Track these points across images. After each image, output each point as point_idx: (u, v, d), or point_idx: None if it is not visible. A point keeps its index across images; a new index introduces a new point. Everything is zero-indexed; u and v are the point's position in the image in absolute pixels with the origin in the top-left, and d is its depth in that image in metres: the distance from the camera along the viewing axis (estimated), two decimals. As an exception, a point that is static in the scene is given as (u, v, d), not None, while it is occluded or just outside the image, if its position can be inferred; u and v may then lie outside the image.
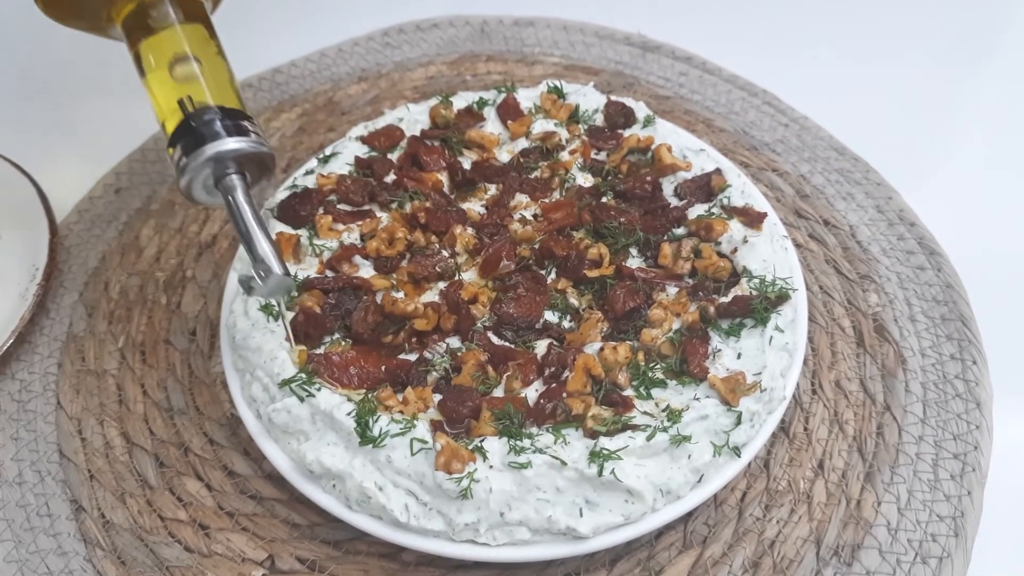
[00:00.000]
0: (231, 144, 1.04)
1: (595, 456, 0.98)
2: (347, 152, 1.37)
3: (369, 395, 1.06)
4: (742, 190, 1.29)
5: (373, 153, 1.38)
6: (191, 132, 1.05)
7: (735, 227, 1.23)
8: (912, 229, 1.43)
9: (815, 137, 1.59)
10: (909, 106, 1.71)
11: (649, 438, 1.00)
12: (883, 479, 1.15)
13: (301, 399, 1.05)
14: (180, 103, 1.08)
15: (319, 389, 1.06)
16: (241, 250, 1.26)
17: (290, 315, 1.14)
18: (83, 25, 1.21)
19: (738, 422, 1.04)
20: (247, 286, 1.02)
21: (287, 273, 1.02)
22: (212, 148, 1.03)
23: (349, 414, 1.02)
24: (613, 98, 1.44)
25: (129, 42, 1.16)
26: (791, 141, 1.59)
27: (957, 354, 1.27)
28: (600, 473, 0.96)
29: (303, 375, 1.07)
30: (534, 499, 0.97)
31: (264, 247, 1.02)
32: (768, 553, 1.08)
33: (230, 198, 1.05)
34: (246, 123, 1.07)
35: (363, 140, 1.39)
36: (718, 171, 1.31)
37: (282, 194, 1.30)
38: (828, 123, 1.61)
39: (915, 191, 1.48)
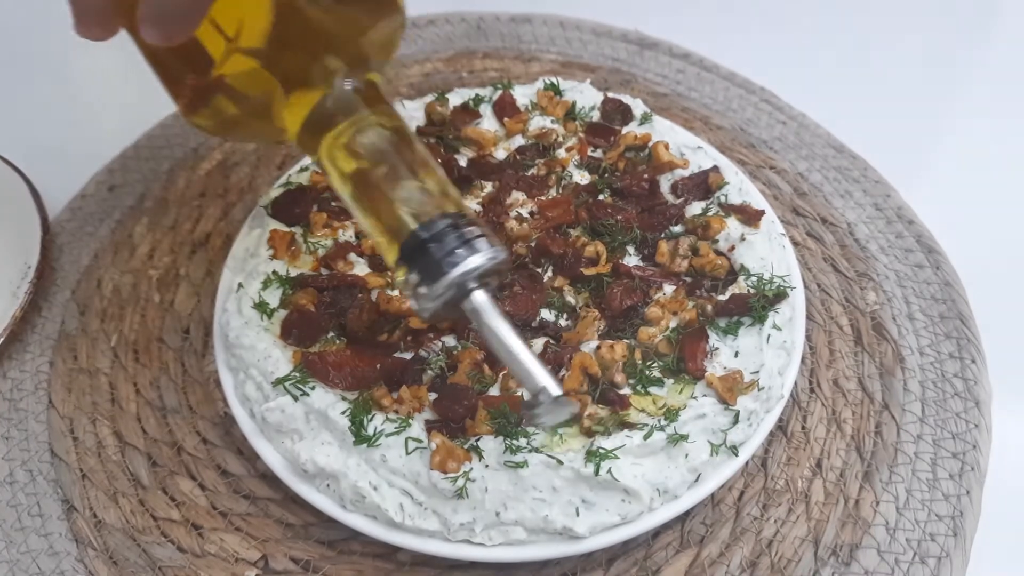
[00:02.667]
0: (476, 261, 0.86)
1: (592, 455, 0.97)
2: None
3: (364, 394, 1.05)
4: (739, 188, 1.28)
5: (368, 150, 1.36)
6: (424, 251, 0.86)
7: (732, 225, 1.22)
8: (910, 227, 1.42)
9: (813, 134, 1.58)
10: (907, 103, 1.70)
11: (646, 437, 0.99)
12: (881, 478, 1.14)
13: (295, 398, 1.04)
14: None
15: (313, 388, 1.05)
16: (234, 247, 1.25)
17: (283, 313, 1.13)
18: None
19: (735, 421, 1.03)
20: (528, 415, 0.84)
21: (565, 394, 0.84)
22: (455, 272, 0.85)
23: (343, 413, 1.02)
24: (610, 95, 1.43)
25: (311, 150, 0.97)
26: (789, 138, 1.58)
27: (956, 352, 1.26)
28: (597, 472, 0.96)
29: (296, 374, 1.06)
30: (530, 499, 0.96)
31: (534, 368, 0.84)
32: (766, 553, 1.08)
33: (482, 321, 0.87)
34: (474, 228, 0.88)
35: None
36: (715, 168, 1.30)
37: (276, 191, 1.29)
38: (826, 121, 1.60)
39: (913, 189, 1.47)
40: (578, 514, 0.97)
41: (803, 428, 1.19)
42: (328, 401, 1.03)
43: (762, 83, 1.68)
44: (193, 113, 1.00)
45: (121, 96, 1.72)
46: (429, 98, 1.43)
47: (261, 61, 0.93)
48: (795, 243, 1.39)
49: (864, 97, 1.70)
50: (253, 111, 0.97)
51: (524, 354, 0.85)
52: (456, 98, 1.43)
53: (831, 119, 1.60)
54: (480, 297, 0.87)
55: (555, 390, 0.82)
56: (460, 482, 0.96)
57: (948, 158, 1.59)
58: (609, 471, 0.96)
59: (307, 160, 1.36)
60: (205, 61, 0.93)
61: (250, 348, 1.10)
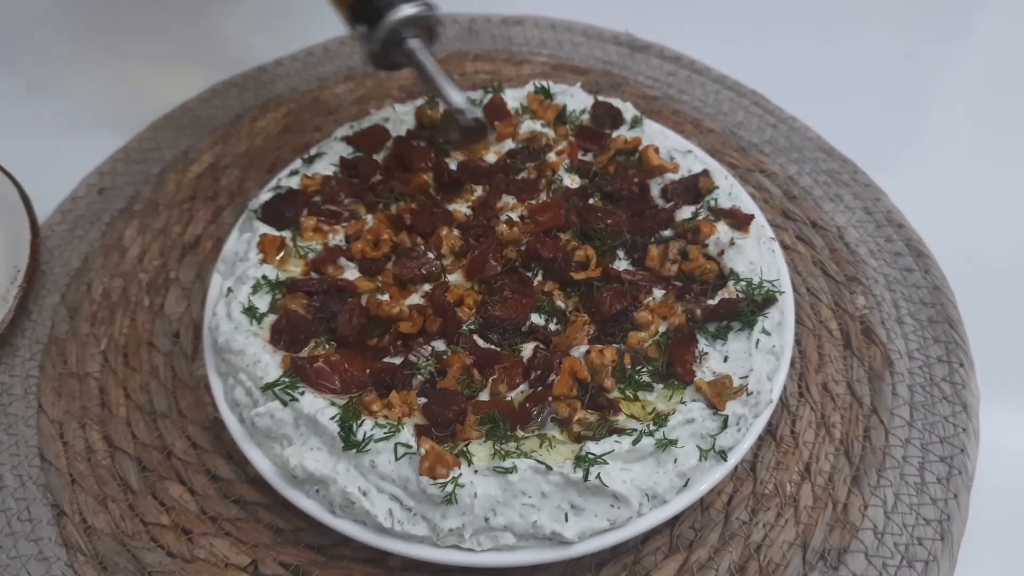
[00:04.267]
0: (407, 11, 1.21)
1: (581, 461, 0.97)
2: (332, 153, 1.36)
3: (353, 399, 1.05)
4: (729, 192, 1.29)
5: (358, 153, 1.37)
6: (369, 6, 1.22)
7: (722, 229, 1.22)
8: (900, 231, 1.42)
9: (803, 138, 1.58)
10: (899, 108, 1.71)
11: (635, 442, 0.99)
12: (870, 482, 1.14)
13: (284, 403, 1.04)
14: None
15: (302, 393, 1.05)
16: (224, 251, 1.26)
17: (272, 318, 1.13)
18: None
19: (724, 426, 1.04)
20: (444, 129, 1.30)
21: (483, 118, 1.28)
22: (392, 17, 1.20)
23: (333, 418, 1.01)
24: (600, 98, 1.43)
25: None
26: (779, 142, 1.58)
27: (944, 357, 1.26)
28: (586, 478, 0.96)
29: (286, 379, 1.06)
30: (519, 504, 0.97)
31: (456, 95, 1.24)
32: (754, 557, 1.08)
33: (414, 58, 1.23)
34: None
35: (348, 140, 1.38)
36: (705, 173, 1.30)
37: (266, 195, 1.29)
38: (817, 124, 1.60)
39: (903, 193, 1.48)
40: (567, 519, 0.97)
41: (792, 432, 1.19)
42: (317, 406, 1.03)
43: (753, 86, 1.68)
44: None
45: (111, 99, 1.71)
46: (419, 101, 1.43)
47: None
48: (785, 247, 1.40)
49: (855, 100, 1.70)
50: None
51: (447, 82, 1.24)
52: None
53: (822, 123, 1.60)
54: (414, 43, 1.24)
55: (474, 112, 1.27)
56: (449, 487, 0.95)
57: (938, 162, 1.59)
58: (598, 476, 0.96)
59: (297, 163, 1.36)
60: None
61: (239, 353, 1.10)
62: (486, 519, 0.96)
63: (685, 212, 1.26)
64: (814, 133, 1.59)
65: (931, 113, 1.73)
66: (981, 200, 1.52)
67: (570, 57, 1.77)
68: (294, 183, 1.31)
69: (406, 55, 1.24)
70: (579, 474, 0.96)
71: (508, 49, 1.79)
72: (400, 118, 1.42)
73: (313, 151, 1.37)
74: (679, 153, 1.34)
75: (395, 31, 1.22)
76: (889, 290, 1.35)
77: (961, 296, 1.33)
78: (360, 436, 1.00)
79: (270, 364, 1.08)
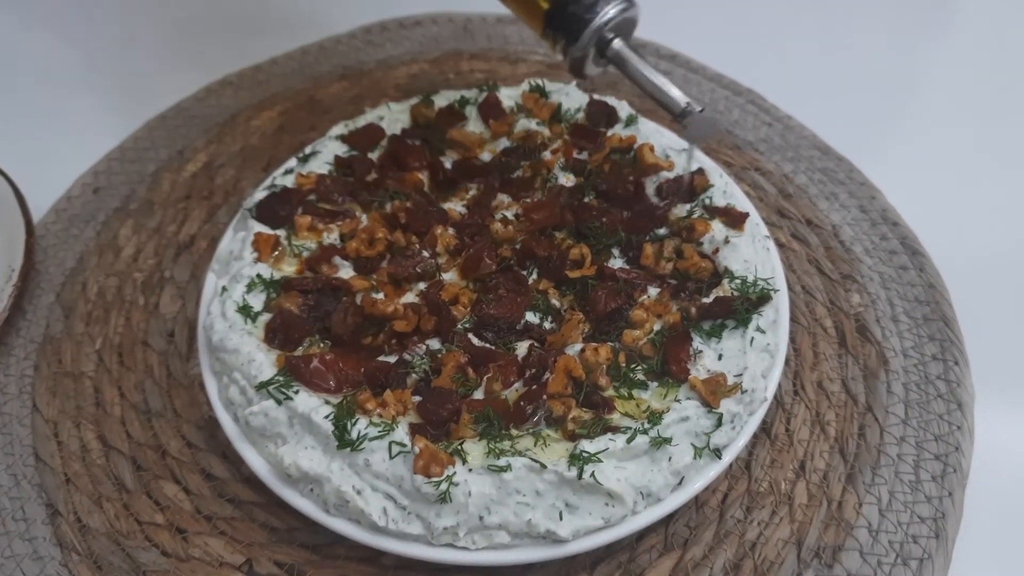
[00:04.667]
0: (611, 12, 1.15)
1: (575, 459, 0.97)
2: (327, 151, 1.36)
3: (347, 398, 1.05)
4: (724, 190, 1.28)
5: (353, 152, 1.36)
6: (566, 15, 1.16)
7: (717, 227, 1.22)
8: (895, 229, 1.42)
9: (799, 136, 1.58)
10: (894, 106, 1.71)
11: (629, 440, 0.99)
12: (864, 480, 1.14)
13: (279, 402, 1.04)
14: None
15: (297, 392, 1.05)
16: (219, 250, 1.25)
17: (267, 317, 1.13)
18: None
19: (719, 424, 1.03)
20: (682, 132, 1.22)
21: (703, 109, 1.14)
22: (597, 21, 1.14)
23: (327, 417, 1.02)
24: (596, 97, 1.43)
25: None
26: (774, 140, 1.58)
27: (939, 354, 1.26)
28: (580, 476, 0.96)
29: (280, 378, 1.06)
30: (514, 502, 0.97)
31: (675, 91, 1.15)
32: (749, 555, 1.08)
33: (622, 57, 1.17)
34: None
35: (343, 139, 1.38)
36: (700, 171, 1.30)
37: (261, 194, 1.29)
38: (812, 123, 1.60)
39: (898, 191, 1.47)
40: (561, 518, 0.97)
41: (787, 430, 1.19)
42: (312, 405, 1.03)
43: (749, 85, 1.68)
44: None
45: (106, 98, 1.71)
46: (414, 100, 1.43)
47: None
48: (780, 245, 1.40)
49: (850, 99, 1.70)
50: None
51: (665, 82, 1.15)
52: (441, 100, 1.43)
53: (817, 121, 1.60)
54: (618, 43, 1.16)
55: (698, 106, 1.13)
56: (443, 486, 0.95)
57: (933, 160, 1.59)
58: (592, 475, 0.96)
59: (292, 162, 1.36)
60: None
61: (234, 352, 1.10)
62: (480, 517, 0.96)
63: (680, 210, 1.26)
64: (809, 131, 1.59)
65: (927, 111, 1.73)
66: (976, 198, 1.52)
67: (565, 56, 1.76)
68: (289, 182, 1.31)
69: (611, 57, 1.19)
70: (573, 472, 0.96)
71: (503, 48, 1.79)
72: (395, 116, 1.41)
73: (308, 150, 1.37)
74: (674, 151, 1.34)
75: (600, 35, 1.17)
76: (884, 288, 1.35)
77: (956, 294, 1.33)
78: (354, 435, 1.00)
79: (264, 363, 1.08)
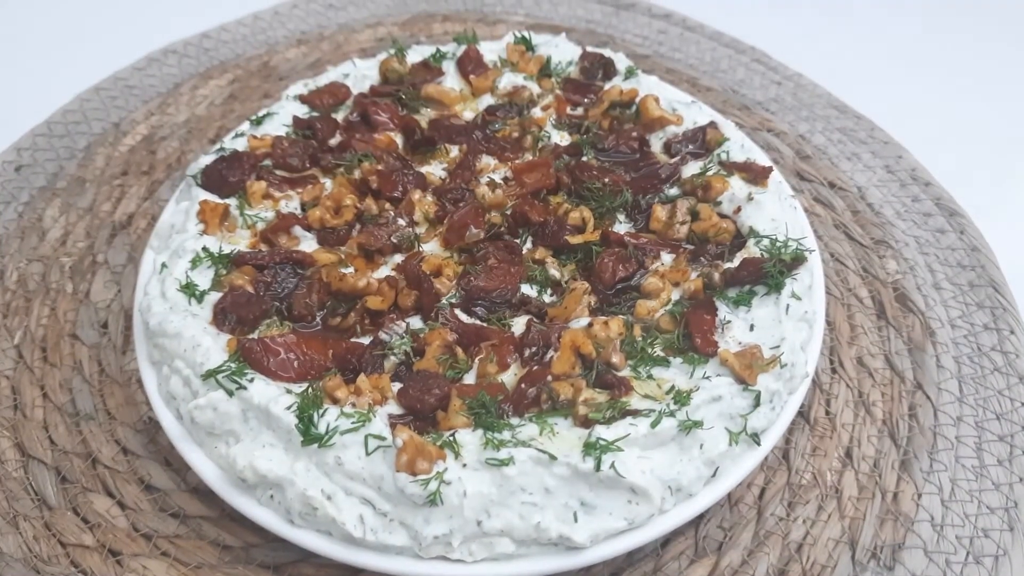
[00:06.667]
0: None
1: (591, 448, 0.85)
2: (284, 112, 1.25)
3: (313, 385, 0.92)
4: (742, 144, 1.18)
5: (314, 113, 1.23)
6: None
7: (736, 184, 1.11)
8: (927, 189, 1.31)
9: (812, 95, 1.48)
10: (909, 60, 1.60)
11: (654, 424, 0.87)
12: (921, 467, 1.02)
13: (230, 393, 0.91)
14: None
15: (252, 380, 0.91)
16: (159, 224, 1.12)
17: (215, 297, 0.97)
18: None
19: (756, 404, 0.91)
20: None
21: None
22: None
23: (289, 408, 0.89)
24: (590, 49, 1.30)
25: None
26: (786, 100, 1.47)
27: (991, 324, 1.15)
28: (598, 468, 0.84)
29: (231, 364, 0.91)
30: (518, 503, 0.84)
31: None
32: (796, 559, 0.95)
33: None
34: None
35: (302, 99, 1.27)
36: (713, 124, 1.19)
37: (207, 159, 1.14)
38: (824, 80, 1.49)
39: (925, 148, 1.36)
40: (576, 519, 0.85)
41: (827, 413, 1.07)
42: (270, 395, 0.90)
43: (751, 43, 1.56)
44: None
45: (31, 68, 1.53)
46: (384, 55, 1.29)
47: None
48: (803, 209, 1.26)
49: (862, 56, 1.60)
50: None
51: None
52: (415, 55, 1.31)
53: (829, 79, 1.49)
54: None
55: None
56: (433, 485, 0.83)
57: (962, 113, 1.46)
58: (612, 466, 0.84)
59: (245, 126, 1.20)
60: None
61: (175, 336, 0.96)
62: (478, 522, 0.84)
63: (693, 167, 1.15)
64: (823, 90, 1.49)
65: (945, 62, 1.61)
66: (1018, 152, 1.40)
67: (549, 16, 1.65)
68: (240, 145, 1.17)
69: None
70: (590, 464, 0.84)
71: (480, 9, 1.69)
72: (362, 73, 1.30)
73: (262, 112, 1.24)
74: (682, 105, 1.23)
75: None
76: (922, 253, 1.24)
77: (1004, 257, 1.22)
78: (322, 428, 0.87)
79: (212, 348, 0.95)
